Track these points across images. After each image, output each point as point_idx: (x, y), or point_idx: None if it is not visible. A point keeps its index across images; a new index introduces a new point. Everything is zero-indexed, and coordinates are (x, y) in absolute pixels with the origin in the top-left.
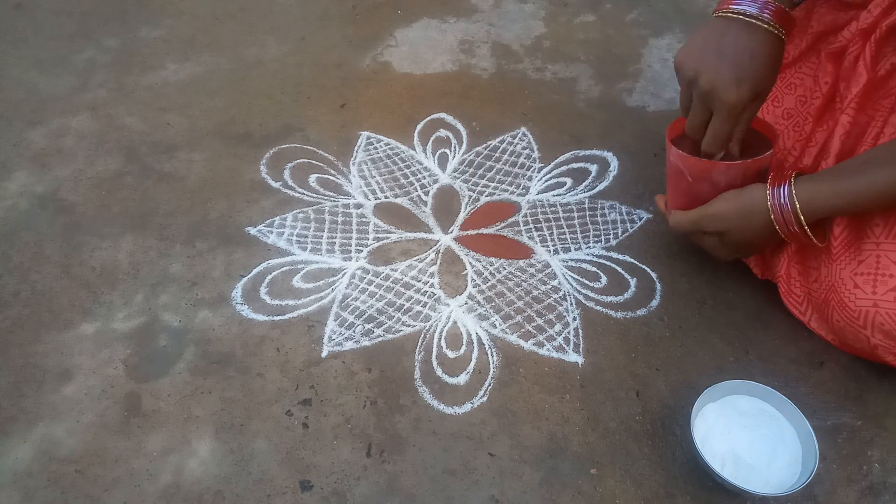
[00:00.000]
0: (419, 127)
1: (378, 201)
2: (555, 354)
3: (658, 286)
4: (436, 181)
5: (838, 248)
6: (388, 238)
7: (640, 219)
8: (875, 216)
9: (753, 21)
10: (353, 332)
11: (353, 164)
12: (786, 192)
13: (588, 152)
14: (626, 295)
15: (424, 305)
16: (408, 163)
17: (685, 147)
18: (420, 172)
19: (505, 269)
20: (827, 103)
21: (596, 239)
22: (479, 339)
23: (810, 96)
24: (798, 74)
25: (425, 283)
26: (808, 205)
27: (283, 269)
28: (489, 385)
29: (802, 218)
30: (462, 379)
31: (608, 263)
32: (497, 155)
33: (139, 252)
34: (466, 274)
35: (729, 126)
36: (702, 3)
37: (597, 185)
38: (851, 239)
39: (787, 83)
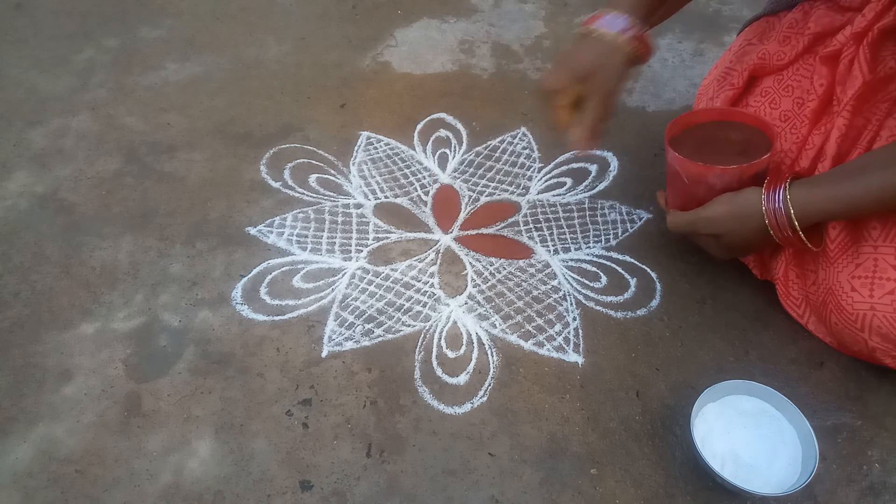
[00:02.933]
0: (419, 127)
1: (378, 201)
2: (555, 354)
3: (658, 286)
4: (436, 181)
5: (836, 251)
6: (388, 238)
7: (640, 219)
8: (872, 219)
9: (601, 37)
10: (353, 332)
11: (353, 164)
12: (780, 196)
13: (588, 152)
14: (626, 295)
15: (424, 305)
16: (408, 163)
17: (685, 147)
18: (420, 172)
19: (505, 269)
20: (822, 106)
21: (596, 239)
22: (479, 339)
23: (807, 98)
24: (795, 76)
25: (425, 283)
26: (803, 209)
27: (283, 269)
28: (489, 385)
29: (796, 222)
30: (462, 379)
31: (608, 263)
32: (497, 155)
33: (139, 252)
34: (466, 274)
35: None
36: (702, 2)
37: (597, 185)
38: (849, 242)
39: (785, 85)
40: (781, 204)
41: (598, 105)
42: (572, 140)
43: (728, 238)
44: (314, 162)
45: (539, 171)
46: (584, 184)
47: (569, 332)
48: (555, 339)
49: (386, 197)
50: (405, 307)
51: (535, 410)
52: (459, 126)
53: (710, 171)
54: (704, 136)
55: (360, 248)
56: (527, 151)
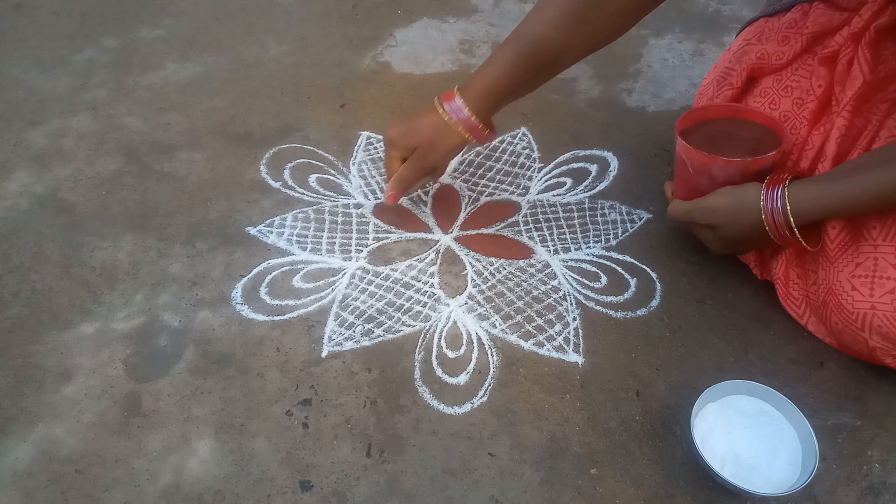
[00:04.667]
0: None
1: (378, 201)
2: (555, 354)
3: (658, 286)
4: (436, 181)
5: (835, 250)
6: (388, 238)
7: (640, 219)
8: (872, 219)
9: (444, 117)
10: (353, 332)
11: (353, 164)
12: (778, 195)
13: (588, 152)
14: (626, 295)
15: (424, 305)
16: None
17: (695, 139)
18: None
19: (505, 269)
20: (821, 107)
21: (596, 239)
22: (479, 339)
23: (806, 99)
24: (794, 77)
25: (425, 283)
26: (800, 207)
27: (283, 269)
28: (489, 385)
29: (792, 220)
30: (462, 379)
31: (608, 263)
32: (497, 155)
33: (139, 252)
34: (466, 274)
35: (389, 167)
36: (702, 3)
37: (597, 185)
38: (849, 241)
39: (784, 86)
40: (779, 202)
41: (414, 173)
42: (386, 192)
43: (724, 231)
44: (314, 162)
45: (539, 171)
46: (584, 184)
47: (569, 332)
48: (555, 339)
49: None
50: (405, 307)
51: (535, 410)
52: None
53: (713, 161)
54: (716, 130)
55: (360, 248)
56: (527, 151)
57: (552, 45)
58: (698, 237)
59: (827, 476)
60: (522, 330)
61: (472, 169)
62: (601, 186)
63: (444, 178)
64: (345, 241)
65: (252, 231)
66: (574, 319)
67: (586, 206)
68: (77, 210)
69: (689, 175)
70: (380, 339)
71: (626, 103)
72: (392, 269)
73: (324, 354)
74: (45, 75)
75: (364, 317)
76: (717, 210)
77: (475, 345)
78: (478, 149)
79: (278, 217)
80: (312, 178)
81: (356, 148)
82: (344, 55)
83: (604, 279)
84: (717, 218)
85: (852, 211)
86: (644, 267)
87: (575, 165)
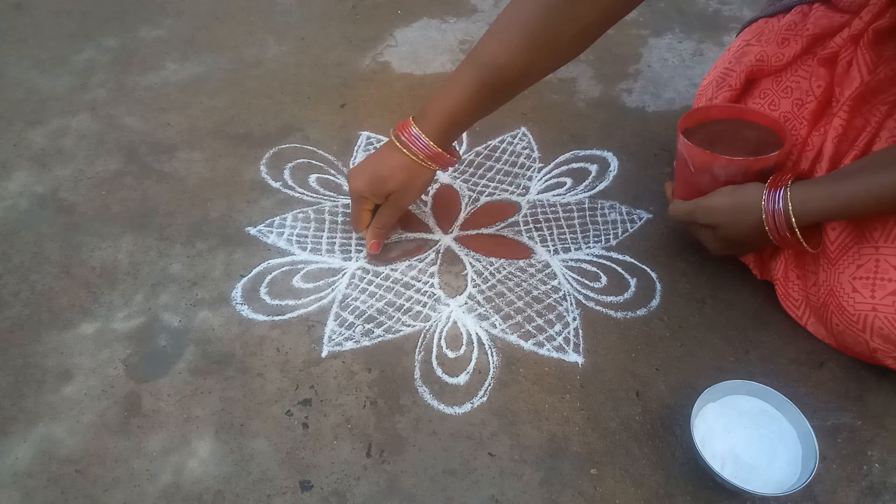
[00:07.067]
0: None
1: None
2: (555, 354)
3: (658, 286)
4: (436, 181)
5: (836, 252)
6: (387, 238)
7: (640, 219)
8: (873, 220)
9: (410, 156)
10: (353, 332)
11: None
12: (780, 197)
13: (588, 152)
14: (626, 295)
15: (424, 305)
16: None
17: (697, 139)
18: None
19: (505, 269)
20: (821, 108)
21: (596, 239)
22: (479, 339)
23: (805, 100)
24: (794, 78)
25: (425, 283)
26: (802, 208)
27: (283, 269)
28: (489, 385)
29: (794, 222)
30: (462, 379)
31: (608, 263)
32: (497, 155)
33: (139, 252)
34: (466, 274)
35: (359, 213)
36: (702, 3)
37: (597, 185)
38: (850, 243)
39: (784, 87)
40: (781, 205)
41: (391, 218)
42: (367, 241)
43: (724, 231)
44: (314, 162)
45: (539, 171)
46: (584, 184)
47: (569, 332)
48: (555, 339)
49: None
50: (405, 307)
51: (535, 410)
52: None
53: (716, 160)
54: (719, 131)
55: (361, 248)
56: (527, 151)
57: (514, 70)
58: (697, 237)
59: (827, 476)
60: (522, 330)
61: (472, 169)
62: (601, 186)
63: (444, 178)
64: (345, 241)
65: (252, 231)
66: (574, 319)
67: (586, 206)
68: (77, 210)
69: (691, 174)
70: (380, 339)
71: (626, 103)
72: (392, 269)
73: (324, 354)
74: (45, 75)
75: (364, 317)
76: (717, 209)
77: (475, 345)
78: (478, 149)
79: (278, 217)
80: (312, 178)
81: (356, 148)
82: (344, 55)
83: (604, 279)
84: (717, 217)
85: (855, 213)
86: (644, 267)
87: (575, 165)
